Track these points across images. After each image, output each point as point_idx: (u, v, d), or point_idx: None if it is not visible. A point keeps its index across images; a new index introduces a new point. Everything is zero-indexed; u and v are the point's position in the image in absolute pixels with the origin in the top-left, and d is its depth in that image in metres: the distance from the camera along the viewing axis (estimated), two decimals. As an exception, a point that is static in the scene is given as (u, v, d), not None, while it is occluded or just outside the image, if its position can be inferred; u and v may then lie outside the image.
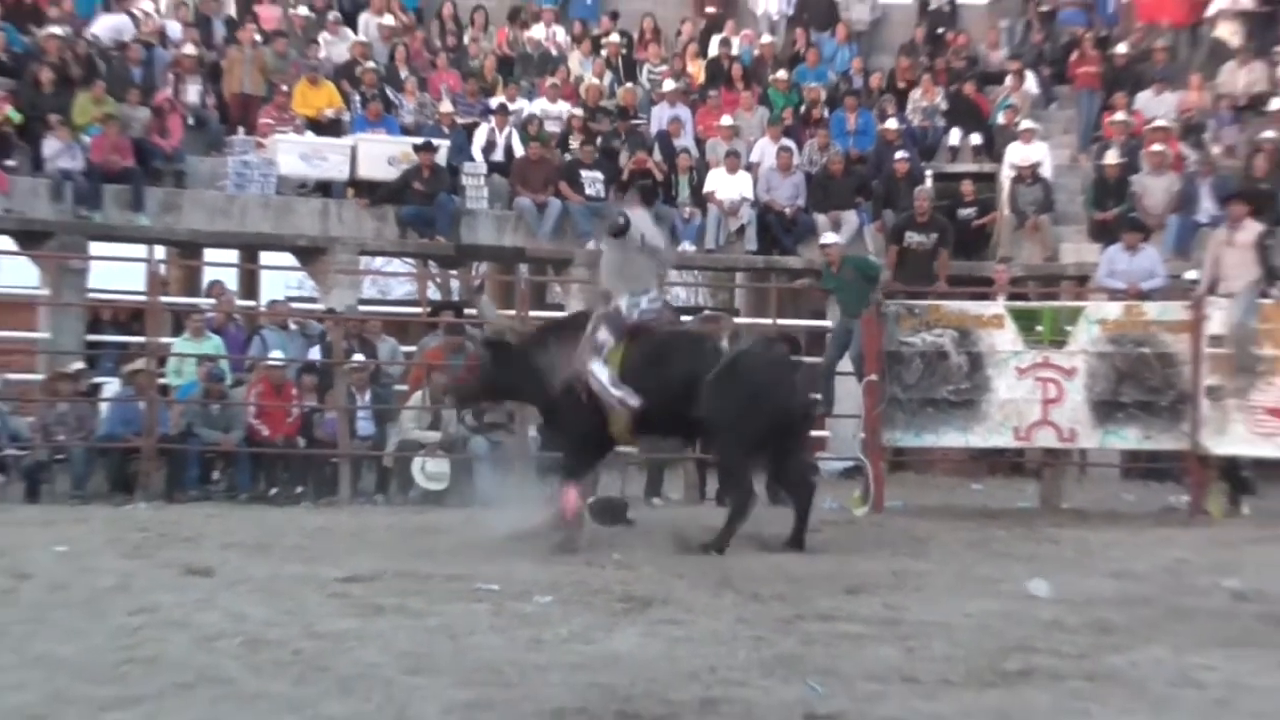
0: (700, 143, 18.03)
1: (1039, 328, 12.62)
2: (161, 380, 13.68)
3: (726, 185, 17.30)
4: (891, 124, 17.99)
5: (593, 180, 17.14)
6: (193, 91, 17.12)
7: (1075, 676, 5.64)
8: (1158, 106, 17.98)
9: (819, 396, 13.86)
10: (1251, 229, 12.52)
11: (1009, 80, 18.81)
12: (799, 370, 10.72)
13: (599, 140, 17.61)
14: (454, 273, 23.41)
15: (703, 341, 9.82)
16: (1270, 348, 11.98)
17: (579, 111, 17.93)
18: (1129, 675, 5.69)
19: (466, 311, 14.73)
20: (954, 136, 18.59)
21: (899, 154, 17.43)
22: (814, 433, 15.26)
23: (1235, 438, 12.04)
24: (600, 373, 9.55)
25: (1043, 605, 7.35)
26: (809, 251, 17.16)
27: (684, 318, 10.83)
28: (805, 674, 5.57)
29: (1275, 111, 17.26)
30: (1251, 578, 8.28)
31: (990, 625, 6.77)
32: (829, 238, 14.80)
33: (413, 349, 15.05)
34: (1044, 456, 13.44)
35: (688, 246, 16.99)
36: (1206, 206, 16.37)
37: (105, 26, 17.49)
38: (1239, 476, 12.45)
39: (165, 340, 14.53)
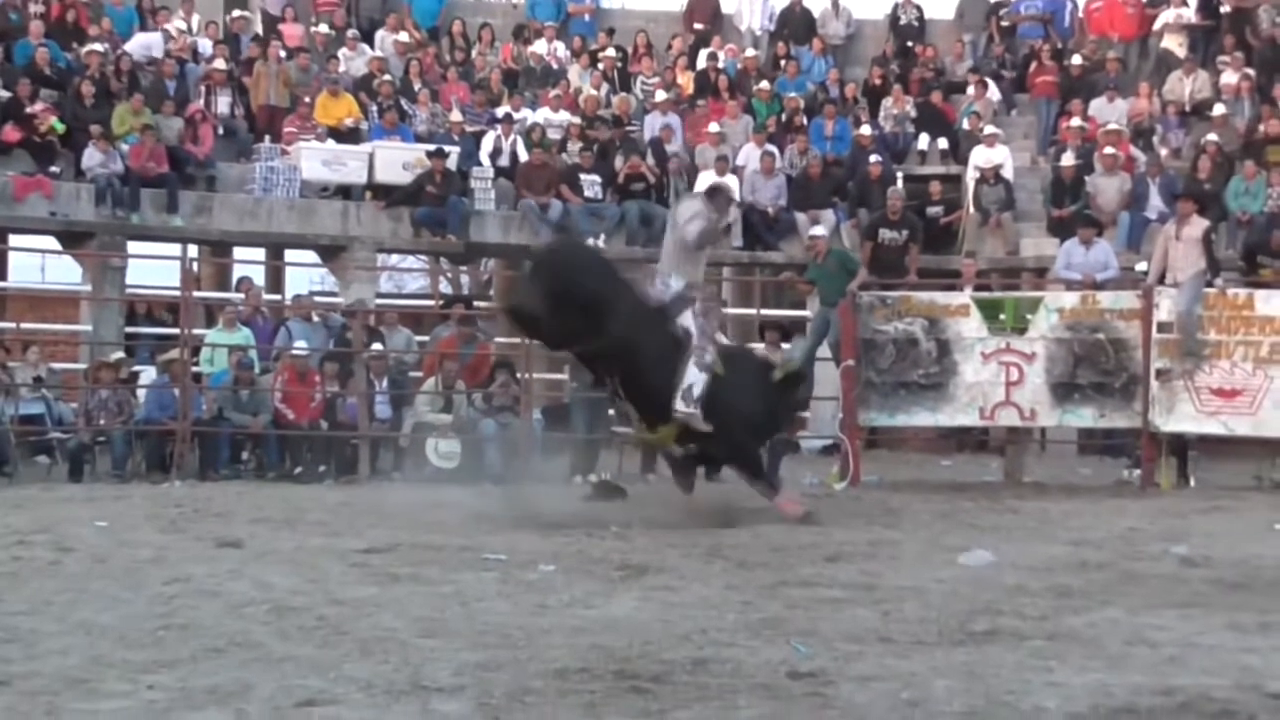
0: (690, 148, 17.97)
1: (1002, 316, 12.60)
2: (195, 369, 13.63)
3: (714, 187, 17.21)
4: (865, 130, 17.95)
5: (591, 183, 17.09)
6: (223, 103, 17.05)
7: (1037, 636, 5.61)
8: (1110, 113, 17.92)
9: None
10: (1198, 225, 12.47)
11: (972, 89, 18.76)
12: None
13: (596, 146, 17.55)
14: (464, 269, 23.37)
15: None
16: (1214, 333, 11.97)
17: (578, 120, 17.85)
18: (1087, 635, 5.66)
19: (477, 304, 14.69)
20: (923, 141, 18.52)
21: (872, 158, 17.37)
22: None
23: (1182, 416, 12.02)
24: None
25: (1007, 571, 7.33)
26: (790, 248, 17.13)
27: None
28: (789, 635, 5.54)
29: (1218, 117, 17.23)
30: (1199, 545, 8.26)
31: (959, 590, 6.74)
32: (818, 230, 14.79)
33: (426, 339, 15.00)
34: (1007, 434, 13.40)
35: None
36: (1155, 204, 16.36)
37: (137, 44, 17.42)
38: (1185, 450, 12.44)
39: (198, 332, 14.49)
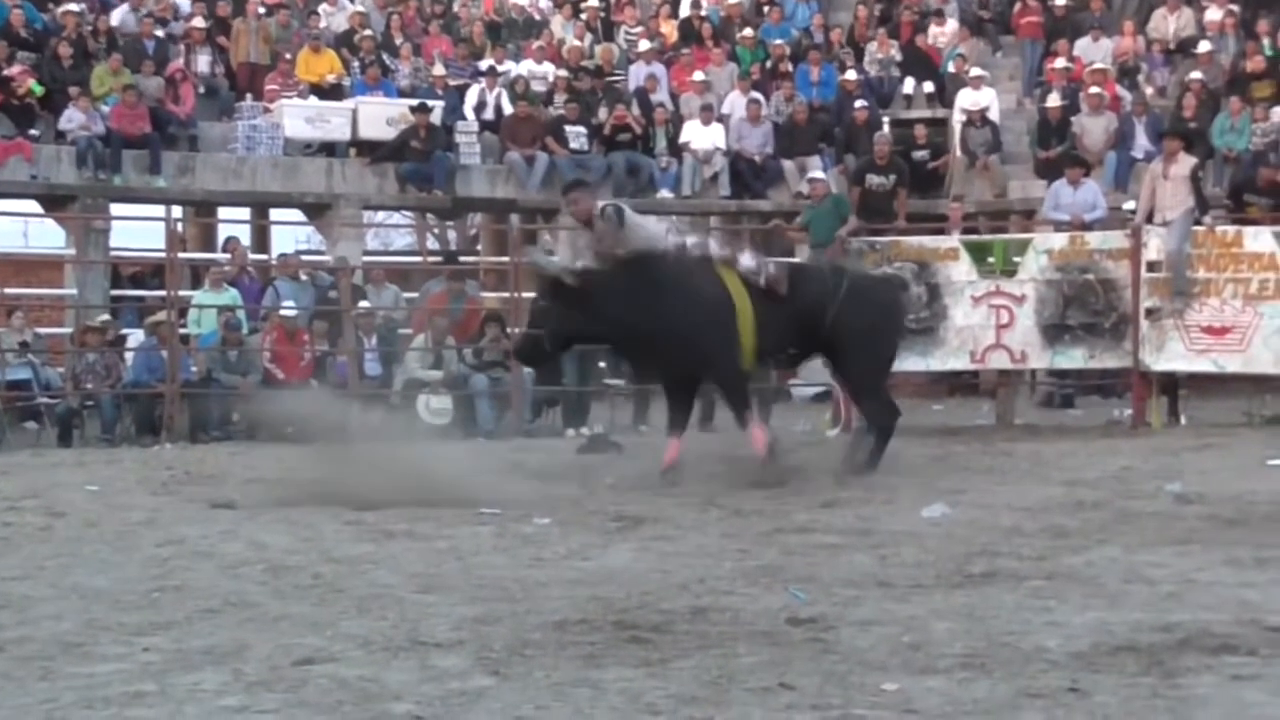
0: (675, 97, 17.86)
1: (991, 259, 12.57)
2: (183, 330, 13.55)
3: (700, 136, 17.15)
4: (851, 75, 17.85)
5: (576, 135, 16.98)
6: (203, 62, 16.90)
7: (1036, 577, 5.58)
8: (1095, 52, 17.84)
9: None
10: (1185, 163, 12.40)
11: (957, 30, 18.62)
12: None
13: (581, 97, 17.42)
14: (450, 224, 23.26)
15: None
16: (1203, 271, 11.94)
17: (562, 72, 17.72)
18: (1085, 574, 5.65)
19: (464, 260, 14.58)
20: (908, 85, 18.42)
21: (858, 103, 17.29)
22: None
23: (1173, 354, 12.01)
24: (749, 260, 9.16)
25: (1003, 513, 7.31)
26: (778, 195, 17.06)
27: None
28: (787, 582, 5.51)
29: (1202, 54, 17.15)
30: (1193, 482, 8.27)
31: (955, 532, 6.72)
32: (818, 174, 14.71)
33: (414, 295, 14.92)
34: (998, 377, 13.38)
35: (666, 194, 16.94)
36: (1142, 143, 16.34)
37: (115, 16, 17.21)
38: (1175, 389, 12.44)
39: (184, 293, 14.40)
